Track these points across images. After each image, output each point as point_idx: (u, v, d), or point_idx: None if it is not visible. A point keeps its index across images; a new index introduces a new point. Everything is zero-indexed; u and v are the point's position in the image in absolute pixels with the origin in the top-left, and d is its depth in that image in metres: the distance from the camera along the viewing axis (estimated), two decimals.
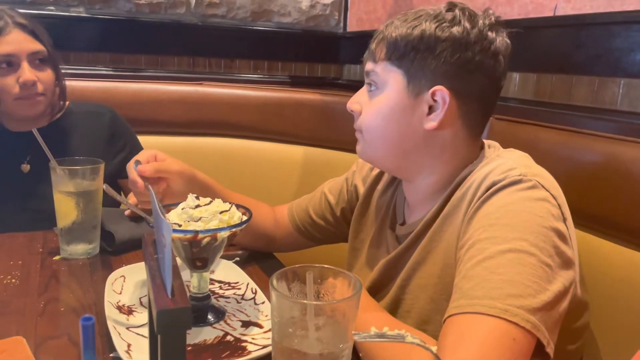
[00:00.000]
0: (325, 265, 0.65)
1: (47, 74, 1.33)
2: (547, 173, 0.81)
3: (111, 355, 0.75)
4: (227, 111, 1.81)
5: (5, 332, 0.80)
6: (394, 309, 0.92)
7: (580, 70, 1.32)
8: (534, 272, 0.68)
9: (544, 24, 1.43)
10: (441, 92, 0.83)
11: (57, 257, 1.09)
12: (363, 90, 0.93)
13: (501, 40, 0.86)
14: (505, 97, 1.54)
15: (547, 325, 0.67)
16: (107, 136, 1.46)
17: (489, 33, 0.84)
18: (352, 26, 2.48)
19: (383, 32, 0.88)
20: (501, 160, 0.82)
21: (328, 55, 2.48)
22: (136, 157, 0.97)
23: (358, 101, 0.92)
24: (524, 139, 1.15)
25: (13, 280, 0.97)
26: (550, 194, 0.76)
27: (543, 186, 0.76)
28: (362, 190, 1.10)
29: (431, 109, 0.85)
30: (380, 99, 0.88)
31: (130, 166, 0.96)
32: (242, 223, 0.84)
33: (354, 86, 2.25)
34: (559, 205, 0.76)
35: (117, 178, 1.49)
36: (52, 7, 1.99)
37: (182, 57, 2.21)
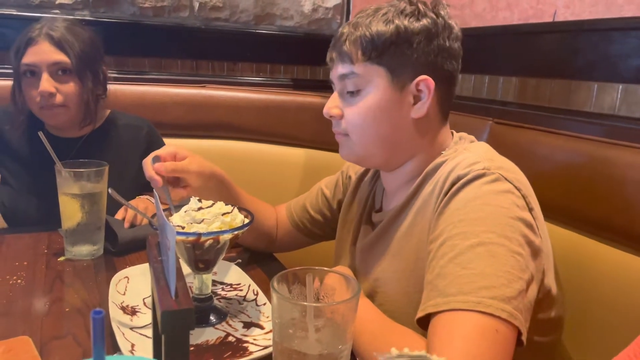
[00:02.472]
0: (325, 268, 0.66)
1: (69, 86, 1.33)
2: (511, 164, 0.84)
3: (115, 354, 0.76)
4: (229, 114, 1.82)
5: (11, 331, 0.81)
6: (369, 298, 0.92)
7: (579, 75, 1.33)
8: (505, 262, 0.70)
9: (543, 29, 1.44)
10: (425, 82, 0.87)
11: (61, 258, 1.10)
12: (337, 95, 0.94)
13: (455, 24, 0.91)
14: (505, 102, 1.56)
15: (522, 313, 0.69)
16: (143, 149, 1.49)
17: (449, 20, 0.89)
18: None
19: (353, 32, 0.88)
20: (466, 154, 0.85)
21: None
22: (155, 153, 0.97)
23: (336, 106, 0.93)
24: (523, 143, 1.16)
25: (19, 281, 0.99)
26: (514, 185, 0.78)
27: (506, 178, 0.78)
28: (353, 180, 1.13)
29: (415, 99, 0.88)
30: (367, 99, 0.89)
31: (148, 162, 0.95)
32: (244, 226, 0.85)
33: None
34: (523, 196, 0.78)
35: (148, 190, 1.50)
36: (57, 11, 2.01)
37: (185, 60, 2.22)
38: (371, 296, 0.94)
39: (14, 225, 1.37)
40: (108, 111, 1.52)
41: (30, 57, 1.29)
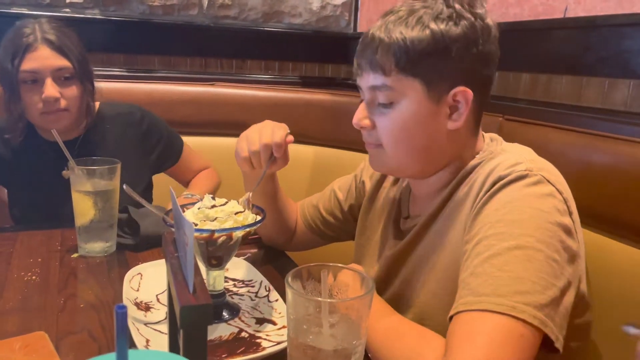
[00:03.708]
0: (339, 264, 0.67)
1: (72, 90, 1.32)
2: (552, 166, 0.81)
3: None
4: (238, 111, 1.83)
5: (27, 327, 0.82)
6: (395, 304, 0.92)
7: (590, 71, 1.33)
8: (541, 268, 0.69)
9: (554, 25, 1.43)
10: (463, 93, 0.82)
11: (75, 255, 1.11)
12: (365, 105, 0.89)
13: (494, 23, 0.85)
14: (515, 98, 1.55)
15: (554, 320, 0.68)
16: (140, 135, 1.49)
17: (489, 22, 0.83)
18: (363, 27, 2.49)
19: (383, 39, 0.82)
20: (507, 155, 0.83)
21: (338, 56, 2.50)
22: (284, 130, 0.99)
23: (366, 116, 0.89)
24: (534, 139, 1.15)
25: (34, 278, 1.00)
26: (556, 188, 0.76)
27: (549, 181, 0.76)
28: (369, 186, 1.12)
29: (452, 109, 0.84)
30: (402, 112, 0.84)
31: (283, 132, 0.98)
32: (256, 223, 0.86)
33: None
34: (564, 199, 0.76)
35: (154, 173, 1.54)
36: (67, 10, 2.02)
37: (194, 58, 2.23)
38: (398, 298, 0.92)
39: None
40: (97, 104, 1.49)
41: (30, 63, 1.26)
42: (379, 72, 0.84)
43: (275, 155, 0.98)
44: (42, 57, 1.27)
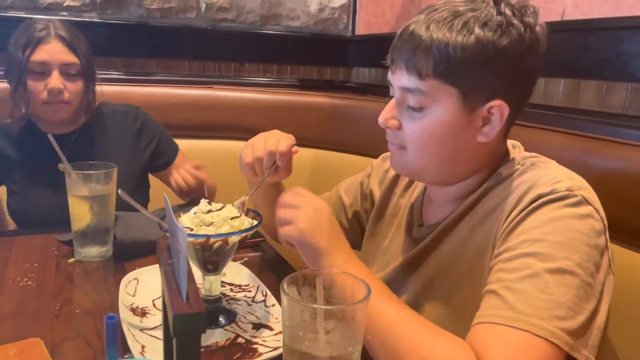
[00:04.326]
0: (335, 270, 0.66)
1: (76, 86, 1.39)
2: (587, 184, 0.79)
3: (126, 356, 0.76)
4: (236, 114, 1.83)
5: (22, 333, 0.82)
6: None
7: (588, 74, 1.33)
8: (576, 293, 0.69)
9: (552, 28, 1.42)
10: (499, 107, 0.78)
11: (71, 260, 1.11)
12: (394, 104, 0.85)
13: (542, 32, 0.79)
14: None
15: (586, 343, 0.68)
16: (134, 132, 1.54)
17: (539, 33, 0.78)
18: (361, 29, 2.49)
19: (424, 38, 0.77)
20: (542, 171, 0.80)
21: (337, 59, 2.49)
22: (290, 140, 1.00)
23: (394, 116, 0.85)
24: (532, 142, 1.14)
25: (29, 283, 1.00)
26: (594, 207, 0.75)
27: (587, 200, 0.75)
28: (377, 194, 1.10)
29: (484, 120, 0.80)
30: (432, 119, 0.80)
31: (289, 142, 0.99)
32: (252, 227, 0.85)
33: (363, 89, 2.27)
34: (601, 218, 0.75)
35: (148, 171, 1.58)
36: (65, 13, 2.02)
37: (192, 61, 2.23)
38: (415, 308, 0.89)
39: (23, 227, 1.39)
40: (97, 102, 1.54)
41: (41, 54, 1.33)
42: (413, 75, 0.79)
43: (279, 164, 0.98)
44: (53, 51, 1.34)
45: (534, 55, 0.78)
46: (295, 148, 1.00)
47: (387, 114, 0.85)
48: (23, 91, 1.35)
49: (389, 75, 0.85)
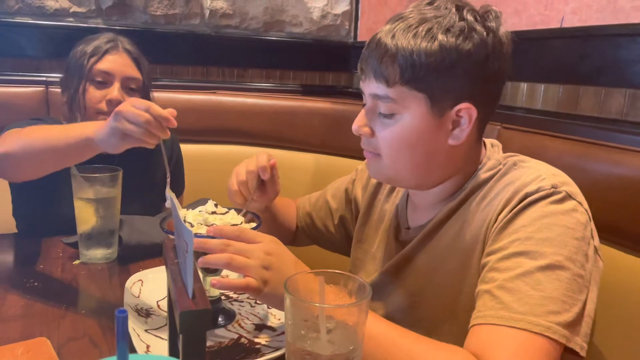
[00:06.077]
0: (337, 271, 0.67)
1: None
2: (569, 178, 0.82)
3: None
4: (239, 119, 1.84)
5: (29, 333, 0.84)
6: (403, 317, 0.92)
7: (586, 80, 1.34)
8: (569, 287, 0.71)
9: (551, 35, 1.45)
10: (467, 110, 0.81)
11: (76, 262, 1.13)
12: (366, 112, 0.87)
13: (506, 36, 0.82)
14: (513, 107, 1.57)
15: (580, 333, 0.71)
16: (168, 156, 1.50)
17: (502, 36, 0.81)
18: (363, 36, 2.51)
19: (389, 47, 0.79)
20: (526, 170, 0.82)
21: (339, 64, 2.51)
22: (267, 155, 1.02)
23: (366, 124, 0.87)
24: (531, 147, 1.16)
25: (36, 284, 1.01)
26: (577, 201, 0.78)
27: (571, 195, 0.77)
28: (361, 200, 1.11)
29: (454, 124, 0.83)
30: (403, 125, 0.82)
31: (266, 156, 1.01)
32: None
33: None
34: (585, 210, 0.78)
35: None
36: (71, 19, 2.04)
37: (196, 67, 2.25)
38: (407, 311, 0.92)
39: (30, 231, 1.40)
40: None
41: (107, 64, 1.33)
42: (382, 82, 0.81)
43: (263, 178, 0.99)
44: (119, 63, 1.35)
45: (498, 58, 0.80)
46: (273, 160, 1.01)
47: (359, 122, 0.87)
48: (81, 99, 1.34)
49: (361, 83, 0.88)
